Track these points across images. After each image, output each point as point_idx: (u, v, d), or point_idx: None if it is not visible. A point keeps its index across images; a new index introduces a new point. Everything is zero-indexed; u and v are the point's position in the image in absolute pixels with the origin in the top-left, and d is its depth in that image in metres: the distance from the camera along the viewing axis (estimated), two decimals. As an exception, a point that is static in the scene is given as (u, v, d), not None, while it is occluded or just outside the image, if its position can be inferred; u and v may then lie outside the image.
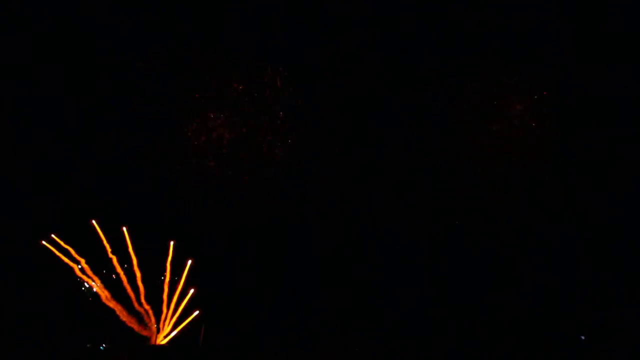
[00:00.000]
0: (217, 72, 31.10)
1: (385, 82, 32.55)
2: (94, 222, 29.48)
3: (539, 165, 31.31)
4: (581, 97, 30.64)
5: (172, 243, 30.42)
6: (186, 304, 30.20)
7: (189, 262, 30.47)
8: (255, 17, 31.47)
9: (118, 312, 28.91)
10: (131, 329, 29.08)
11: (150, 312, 29.60)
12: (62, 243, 28.74)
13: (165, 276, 30.15)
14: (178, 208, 30.84)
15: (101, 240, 29.48)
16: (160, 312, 29.95)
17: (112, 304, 28.82)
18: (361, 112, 32.88)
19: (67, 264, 28.89)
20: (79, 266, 28.87)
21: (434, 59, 31.85)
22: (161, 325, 29.89)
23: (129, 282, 29.40)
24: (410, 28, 31.69)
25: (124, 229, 29.84)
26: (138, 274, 29.45)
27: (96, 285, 28.86)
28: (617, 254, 29.24)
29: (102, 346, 29.04)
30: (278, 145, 32.01)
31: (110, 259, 29.42)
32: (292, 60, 31.79)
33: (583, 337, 27.41)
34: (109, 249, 29.42)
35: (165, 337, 29.96)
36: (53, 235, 28.80)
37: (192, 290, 30.26)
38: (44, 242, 28.63)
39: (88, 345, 28.94)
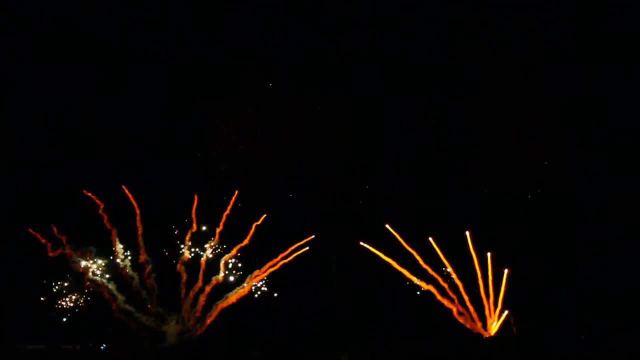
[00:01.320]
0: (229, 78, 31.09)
1: (385, 82, 32.65)
2: (109, 225, 29.30)
3: (540, 166, 31.43)
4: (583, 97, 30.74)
5: (195, 196, 29.85)
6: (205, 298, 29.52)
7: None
8: (257, 18, 31.53)
9: (131, 320, 28.58)
10: (132, 330, 28.86)
11: (164, 315, 29.25)
12: (71, 252, 28.52)
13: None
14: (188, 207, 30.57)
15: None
16: (179, 312, 29.44)
17: (123, 312, 28.45)
18: (362, 113, 32.98)
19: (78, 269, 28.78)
20: (90, 270, 28.67)
21: (434, 59, 31.93)
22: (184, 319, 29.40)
23: (141, 285, 29.14)
24: (410, 28, 31.73)
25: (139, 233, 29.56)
26: (151, 277, 29.03)
27: (107, 290, 28.53)
28: (617, 254, 29.32)
29: (102, 346, 29.01)
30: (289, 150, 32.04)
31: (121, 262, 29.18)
32: (296, 61, 31.86)
33: (583, 337, 27.43)
34: (120, 254, 29.17)
35: (188, 332, 29.48)
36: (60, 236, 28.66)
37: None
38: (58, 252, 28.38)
39: (90, 345, 28.93)
